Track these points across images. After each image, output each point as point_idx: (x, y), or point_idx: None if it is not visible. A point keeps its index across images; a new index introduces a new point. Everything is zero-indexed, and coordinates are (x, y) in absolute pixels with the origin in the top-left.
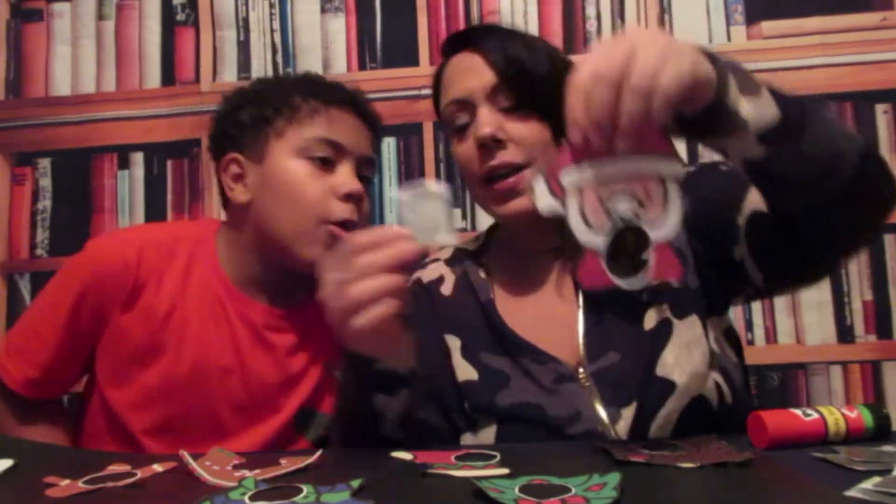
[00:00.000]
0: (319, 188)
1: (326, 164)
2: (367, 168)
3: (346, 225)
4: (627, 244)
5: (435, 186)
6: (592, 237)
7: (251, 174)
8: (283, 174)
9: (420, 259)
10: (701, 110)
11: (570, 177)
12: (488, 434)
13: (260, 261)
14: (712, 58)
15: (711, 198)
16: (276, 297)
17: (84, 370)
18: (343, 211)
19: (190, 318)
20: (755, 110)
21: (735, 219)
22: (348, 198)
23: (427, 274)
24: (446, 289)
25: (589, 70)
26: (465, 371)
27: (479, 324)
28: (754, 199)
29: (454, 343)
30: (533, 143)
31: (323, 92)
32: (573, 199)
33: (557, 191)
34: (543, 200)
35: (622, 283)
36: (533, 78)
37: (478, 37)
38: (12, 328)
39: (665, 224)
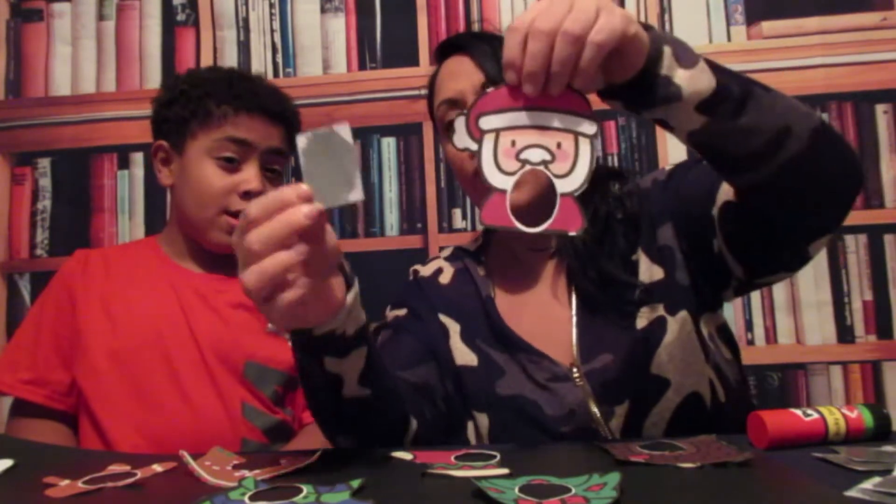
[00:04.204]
0: (223, 184)
1: (233, 163)
2: (277, 160)
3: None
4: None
5: (342, 129)
6: (500, 179)
7: (174, 162)
8: (195, 170)
9: (322, 221)
10: (635, 78)
11: (489, 121)
12: (482, 421)
13: (187, 238)
14: (648, 28)
15: (691, 193)
16: (210, 266)
17: (72, 376)
18: (242, 205)
19: (138, 294)
20: (689, 79)
21: (710, 211)
22: (248, 195)
23: (425, 269)
24: (445, 278)
25: (529, 18)
26: (464, 355)
27: (478, 316)
28: (727, 190)
29: (453, 327)
30: None
31: (235, 97)
32: (488, 141)
33: (475, 132)
34: (460, 139)
35: (520, 226)
36: None
37: (467, 42)
38: (7, 344)
39: (572, 177)
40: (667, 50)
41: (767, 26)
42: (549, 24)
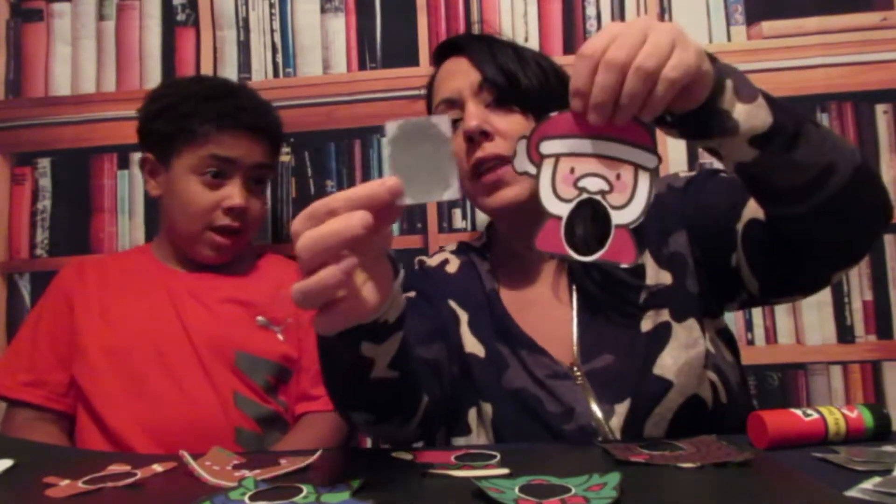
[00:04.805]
0: (208, 201)
1: (217, 177)
2: (261, 173)
3: (229, 230)
4: (588, 220)
5: (440, 122)
6: (557, 205)
7: (161, 175)
8: (180, 186)
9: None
10: (694, 109)
11: (550, 145)
12: (486, 410)
13: (174, 244)
14: (712, 59)
15: (711, 204)
16: (200, 268)
17: (70, 377)
18: (225, 221)
19: (132, 296)
20: (748, 114)
21: (734, 226)
22: (231, 210)
23: (431, 260)
24: (451, 268)
25: (601, 46)
26: (472, 345)
27: (483, 308)
28: (753, 207)
29: (462, 315)
30: (517, 136)
31: (219, 115)
32: (547, 166)
33: (535, 156)
34: (520, 162)
35: (574, 254)
36: (515, 74)
37: (464, 43)
38: (6, 351)
39: (629, 210)
40: (729, 83)
41: (767, 26)
42: (622, 56)
